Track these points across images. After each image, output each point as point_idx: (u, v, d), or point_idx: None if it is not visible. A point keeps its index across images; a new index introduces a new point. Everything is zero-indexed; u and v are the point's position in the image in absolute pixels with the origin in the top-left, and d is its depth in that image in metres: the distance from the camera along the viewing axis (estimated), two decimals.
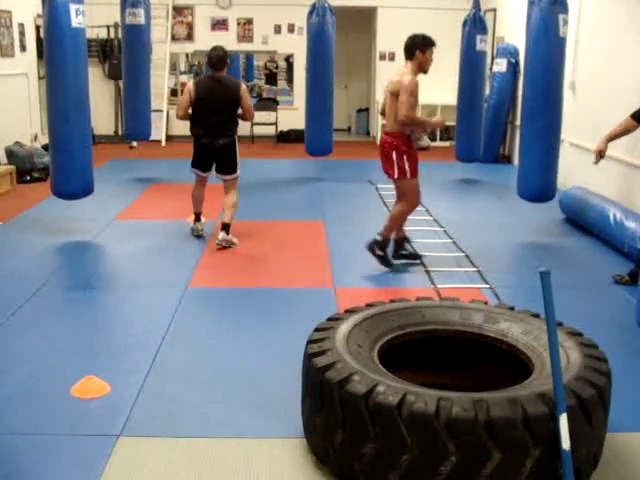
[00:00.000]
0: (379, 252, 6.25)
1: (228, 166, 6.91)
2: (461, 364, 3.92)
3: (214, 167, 6.99)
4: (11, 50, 11.05)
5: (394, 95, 6.04)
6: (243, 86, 6.83)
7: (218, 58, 6.80)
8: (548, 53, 7.00)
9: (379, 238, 6.27)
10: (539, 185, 7.30)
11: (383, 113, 6.44)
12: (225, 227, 6.84)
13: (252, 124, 14.03)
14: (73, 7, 6.76)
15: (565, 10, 7.00)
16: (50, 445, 3.49)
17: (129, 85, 10.44)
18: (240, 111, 6.89)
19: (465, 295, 4.78)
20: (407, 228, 7.53)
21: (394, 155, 6.11)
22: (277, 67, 15.86)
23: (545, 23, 6.96)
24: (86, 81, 7.15)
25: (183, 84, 17.49)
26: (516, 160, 12.05)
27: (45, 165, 10.17)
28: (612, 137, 6.40)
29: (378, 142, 6.52)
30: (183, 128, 14.27)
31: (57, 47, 6.83)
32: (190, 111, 6.84)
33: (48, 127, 7.23)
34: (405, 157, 6.11)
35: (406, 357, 3.78)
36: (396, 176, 6.19)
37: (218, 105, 6.70)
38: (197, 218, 7.23)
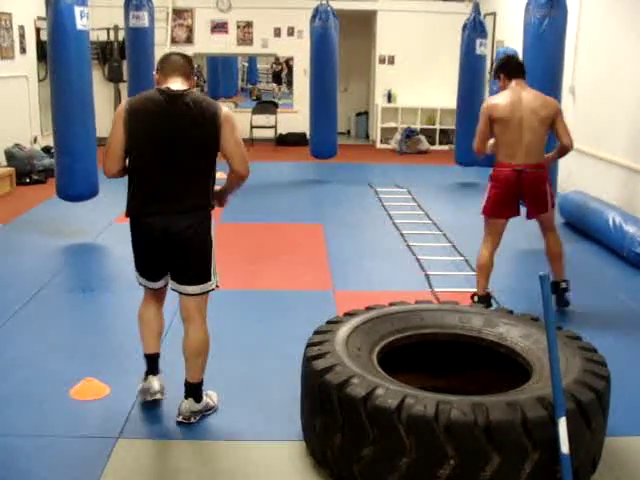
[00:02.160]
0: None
1: (195, 270, 3.64)
2: (460, 368, 3.92)
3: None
4: (11, 52, 11.05)
5: (545, 120, 5.14)
6: (225, 110, 3.58)
7: (179, 59, 3.71)
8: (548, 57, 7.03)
9: (564, 285, 5.49)
10: None
11: (483, 143, 5.41)
12: (191, 390, 3.75)
13: (251, 126, 14.06)
14: (78, 9, 6.77)
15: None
16: (49, 447, 3.49)
17: (133, 88, 10.42)
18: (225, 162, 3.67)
19: (464, 299, 4.79)
20: (405, 232, 7.55)
21: (548, 188, 5.28)
22: (282, 69, 15.91)
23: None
24: (90, 83, 7.18)
25: None
26: None
27: (45, 167, 10.19)
28: None
29: (508, 178, 5.18)
30: None
31: (62, 49, 6.84)
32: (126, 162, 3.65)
33: (53, 129, 7.25)
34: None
35: (405, 360, 3.78)
36: (550, 207, 5.37)
37: (175, 149, 3.50)
38: (151, 367, 3.95)
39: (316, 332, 3.59)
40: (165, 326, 4.05)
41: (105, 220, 7.86)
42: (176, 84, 3.58)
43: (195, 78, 3.81)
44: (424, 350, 3.84)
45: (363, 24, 15.07)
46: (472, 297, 5.31)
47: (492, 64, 12.24)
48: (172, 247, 3.57)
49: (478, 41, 10.36)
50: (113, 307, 5.53)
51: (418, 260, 6.64)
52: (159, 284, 3.80)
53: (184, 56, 3.76)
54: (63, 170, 7.14)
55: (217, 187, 3.76)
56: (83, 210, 7.74)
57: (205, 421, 3.77)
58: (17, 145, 10.57)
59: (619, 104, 6.93)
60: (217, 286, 3.74)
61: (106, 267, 6.79)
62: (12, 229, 7.66)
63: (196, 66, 18.74)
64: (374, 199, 9.36)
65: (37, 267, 6.42)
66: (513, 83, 5.26)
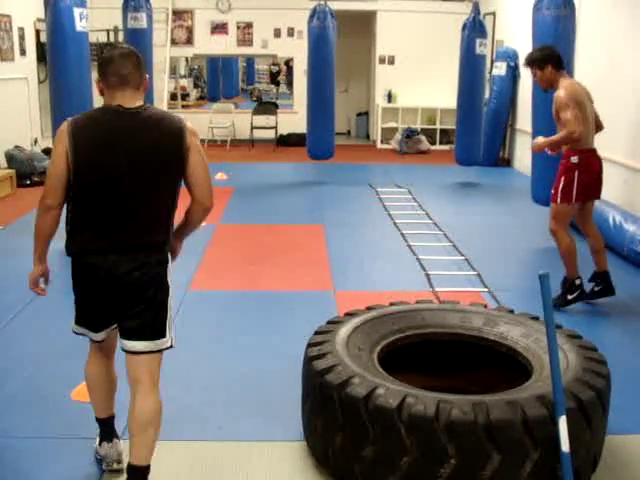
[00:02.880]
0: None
1: (145, 320, 3.01)
2: (461, 367, 3.93)
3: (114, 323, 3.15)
4: (11, 54, 11.06)
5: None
6: (191, 128, 3.00)
7: (123, 60, 2.95)
8: None
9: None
10: None
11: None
12: (138, 476, 3.04)
13: (252, 127, 14.07)
14: (77, 11, 6.79)
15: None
16: (50, 448, 3.50)
17: None
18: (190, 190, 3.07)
19: (465, 298, 4.79)
20: (406, 232, 7.56)
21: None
22: (279, 70, 15.91)
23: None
24: (90, 85, 7.18)
25: (183, 88, 17.60)
26: (516, 163, 12.11)
27: (45, 169, 10.18)
28: None
29: (586, 163, 5.25)
30: None
31: (61, 51, 6.86)
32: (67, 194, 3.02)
33: (52, 131, 7.25)
34: None
35: (406, 360, 3.78)
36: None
37: (130, 179, 2.92)
38: (106, 432, 3.39)
39: (317, 332, 3.59)
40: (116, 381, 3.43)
41: None
42: (126, 97, 2.94)
43: (147, 77, 3.08)
44: (425, 350, 3.84)
45: (363, 24, 15.08)
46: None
47: (492, 63, 12.26)
48: (118, 292, 2.96)
49: (478, 41, 10.37)
50: None
51: (419, 260, 6.64)
52: (101, 335, 3.17)
53: (131, 55, 2.98)
54: None
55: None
56: None
57: (206, 422, 3.78)
58: (17, 147, 10.58)
59: (619, 103, 6.93)
60: (172, 345, 3.11)
61: None
62: (12, 231, 7.66)
63: (196, 67, 18.76)
64: (375, 199, 9.37)
65: None
66: (564, 73, 5.40)
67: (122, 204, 2.93)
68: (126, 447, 3.16)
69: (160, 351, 3.07)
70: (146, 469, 3.03)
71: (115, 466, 3.29)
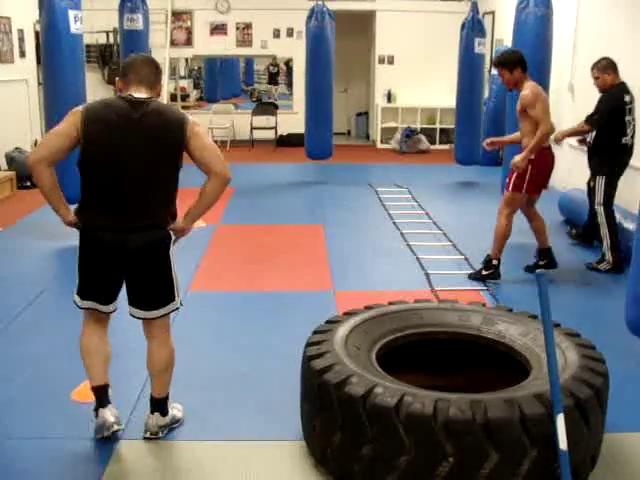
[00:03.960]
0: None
1: (156, 292, 3.43)
2: (459, 366, 3.94)
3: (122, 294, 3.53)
4: (10, 56, 11.07)
5: None
6: (192, 119, 3.35)
7: (144, 64, 3.42)
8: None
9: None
10: None
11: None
12: (158, 405, 3.60)
13: (252, 128, 14.08)
14: (72, 13, 6.80)
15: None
16: (50, 449, 3.51)
17: None
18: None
19: (464, 297, 4.80)
20: (405, 231, 7.57)
21: None
22: (278, 70, 15.91)
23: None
24: (84, 87, 7.19)
25: (183, 88, 17.62)
26: None
27: None
28: (566, 135, 6.83)
29: (540, 159, 5.85)
30: None
31: (56, 53, 6.86)
32: (75, 167, 3.39)
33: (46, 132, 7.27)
34: None
35: (405, 359, 3.79)
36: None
37: (135, 160, 3.25)
38: (101, 398, 3.55)
39: (315, 332, 3.60)
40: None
41: None
42: (140, 93, 3.33)
43: (161, 85, 3.54)
44: (423, 349, 3.85)
45: (362, 24, 15.09)
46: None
47: (491, 62, 12.24)
48: (125, 266, 3.32)
49: (477, 40, 10.38)
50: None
51: (418, 259, 6.65)
52: (110, 307, 3.51)
53: (150, 62, 3.45)
54: (60, 173, 7.14)
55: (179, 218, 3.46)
56: None
57: (206, 422, 3.78)
58: (17, 149, 10.59)
59: None
60: (181, 304, 3.53)
61: None
62: (13, 232, 7.68)
63: (196, 68, 18.77)
64: (374, 199, 9.37)
65: (38, 270, 6.44)
66: (527, 75, 5.88)
67: (126, 184, 3.25)
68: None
69: (168, 314, 3.48)
70: (165, 399, 3.61)
71: (115, 427, 3.51)
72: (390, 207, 8.77)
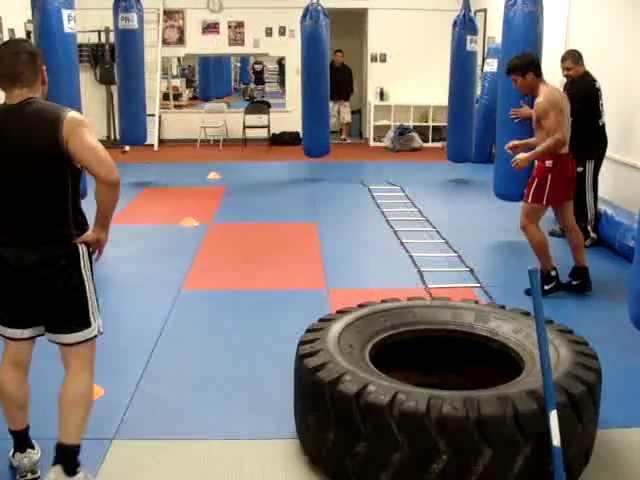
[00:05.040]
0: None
1: (62, 313, 3.08)
2: (453, 363, 3.94)
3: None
4: None
5: None
6: (71, 115, 2.98)
7: (11, 58, 3.00)
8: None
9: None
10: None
11: None
12: (63, 455, 3.13)
13: (244, 126, 14.07)
14: (65, 13, 6.77)
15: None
16: (44, 449, 3.49)
17: (124, 90, 10.44)
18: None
19: (457, 295, 4.80)
20: (398, 229, 7.58)
21: None
22: (263, 68, 15.87)
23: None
24: (78, 87, 7.17)
25: (175, 88, 17.59)
26: None
27: None
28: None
29: (560, 167, 5.49)
30: (176, 131, 14.44)
31: (49, 53, 6.82)
32: None
33: None
34: None
35: (398, 357, 3.79)
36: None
37: (16, 172, 2.97)
38: (19, 443, 3.32)
39: (308, 330, 3.60)
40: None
41: None
42: (14, 94, 2.98)
43: (42, 73, 3.14)
44: (417, 346, 3.85)
45: (354, 23, 15.08)
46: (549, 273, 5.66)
47: (483, 60, 12.26)
48: (31, 286, 2.99)
49: (469, 38, 10.36)
50: (107, 308, 5.50)
51: (411, 257, 6.65)
52: (18, 333, 3.11)
53: (17, 51, 3.01)
54: None
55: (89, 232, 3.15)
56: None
57: (199, 420, 3.78)
58: None
59: (607, 98, 6.95)
60: (100, 332, 3.17)
61: (100, 269, 6.76)
62: None
63: (188, 67, 18.72)
64: (367, 197, 9.37)
65: None
66: (543, 79, 5.60)
67: (13, 199, 2.97)
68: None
69: (88, 340, 3.11)
70: (73, 449, 3.08)
71: (29, 476, 3.24)
72: (383, 205, 8.77)
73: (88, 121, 3.05)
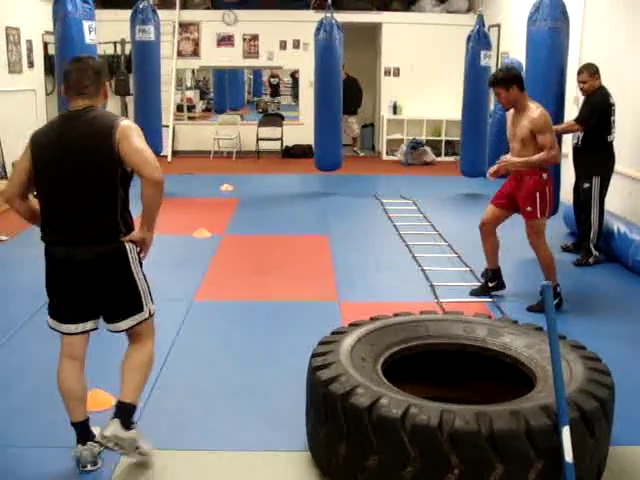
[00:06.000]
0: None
1: (117, 303, 3.36)
2: (465, 377, 3.93)
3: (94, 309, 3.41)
4: (19, 66, 11.14)
5: None
6: (124, 123, 3.25)
7: (77, 72, 3.31)
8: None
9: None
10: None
11: None
12: (121, 410, 3.37)
13: (258, 139, 14.12)
14: (86, 24, 6.85)
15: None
16: (55, 458, 3.51)
17: (140, 101, 10.51)
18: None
19: (469, 309, 4.80)
20: (411, 243, 7.57)
21: None
22: (279, 81, 15.94)
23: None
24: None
25: (189, 99, 17.69)
26: None
27: None
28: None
29: (551, 180, 5.67)
30: (189, 143, 14.50)
31: None
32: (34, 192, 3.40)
33: None
34: None
35: (410, 370, 3.79)
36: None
37: (66, 168, 3.22)
38: (81, 435, 3.45)
39: (321, 343, 3.61)
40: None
41: None
42: (78, 103, 3.29)
43: (108, 85, 3.49)
44: (429, 360, 3.85)
45: (368, 36, 15.15)
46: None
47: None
48: (83, 282, 3.25)
49: (482, 52, 10.40)
50: None
51: (423, 271, 6.65)
52: (72, 328, 3.36)
53: (83, 67, 3.32)
54: None
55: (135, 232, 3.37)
56: None
57: (211, 432, 3.79)
58: None
59: (622, 114, 6.95)
60: (151, 314, 3.44)
61: None
62: (18, 242, 7.70)
63: (202, 78, 18.81)
64: (380, 210, 9.38)
65: (42, 280, 6.43)
66: (526, 94, 5.62)
67: (66, 198, 3.23)
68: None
69: (144, 321, 3.39)
70: (130, 407, 3.36)
71: (89, 467, 3.39)
72: (395, 219, 8.77)
73: (139, 128, 3.31)
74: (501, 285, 6.07)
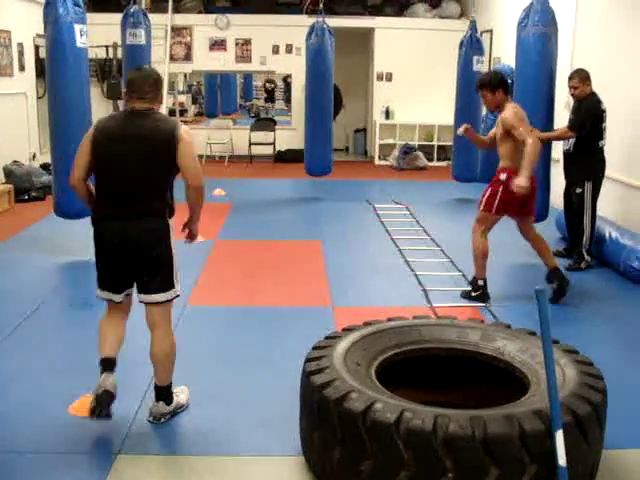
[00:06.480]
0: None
1: (155, 275, 3.78)
2: (458, 382, 3.94)
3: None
4: (10, 70, 11.11)
5: None
6: (182, 128, 3.78)
7: (140, 80, 3.82)
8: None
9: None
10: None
11: None
12: (161, 393, 3.93)
13: (250, 143, 14.12)
14: (78, 27, 6.82)
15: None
16: (48, 463, 3.50)
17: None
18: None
19: (462, 314, 4.81)
20: (403, 247, 7.59)
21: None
22: (275, 87, 15.94)
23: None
24: (89, 100, 7.21)
25: (181, 104, 17.69)
26: None
27: (43, 184, 10.21)
28: (548, 138, 6.93)
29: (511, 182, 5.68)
30: None
31: (61, 67, 6.87)
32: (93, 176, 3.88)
33: (51, 146, 7.25)
34: None
35: (404, 375, 3.79)
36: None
37: (128, 156, 3.70)
38: (106, 367, 3.86)
39: (315, 347, 3.60)
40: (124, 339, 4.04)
41: None
42: (139, 105, 3.79)
43: (163, 93, 4.03)
44: (422, 365, 3.85)
45: (361, 42, 15.17)
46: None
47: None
48: (131, 252, 3.72)
49: (475, 58, 10.44)
50: None
51: (416, 276, 6.66)
52: (120, 297, 3.88)
53: (146, 75, 3.88)
54: (61, 187, 7.15)
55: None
56: (82, 227, 7.72)
57: (205, 436, 3.78)
58: (16, 162, 10.61)
59: (612, 120, 6.98)
60: (178, 295, 3.89)
61: None
62: (11, 246, 7.68)
63: (195, 83, 18.80)
64: (372, 215, 9.39)
65: (36, 284, 6.44)
66: (509, 98, 5.92)
67: (122, 180, 3.72)
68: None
69: (170, 301, 3.85)
70: (168, 387, 3.94)
71: (151, 419, 3.92)
72: (388, 223, 8.79)
73: (191, 133, 3.83)
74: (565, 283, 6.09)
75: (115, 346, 3.92)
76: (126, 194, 3.72)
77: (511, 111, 5.72)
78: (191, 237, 4.11)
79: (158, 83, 3.86)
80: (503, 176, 5.76)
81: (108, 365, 3.86)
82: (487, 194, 5.88)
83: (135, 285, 3.85)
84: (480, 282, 6.01)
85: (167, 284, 3.80)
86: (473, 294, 6.02)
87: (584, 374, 3.29)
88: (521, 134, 5.58)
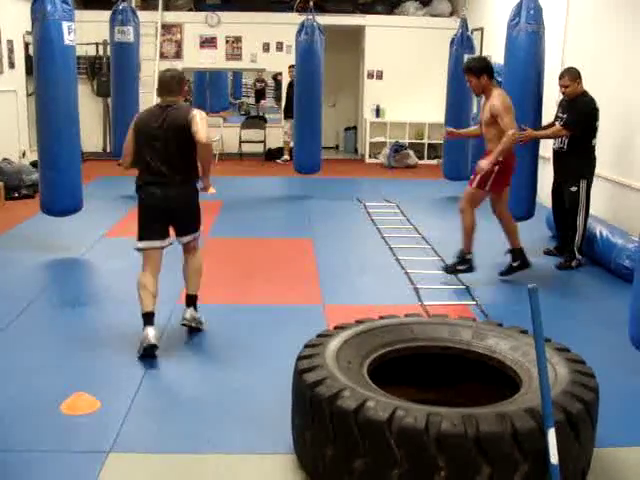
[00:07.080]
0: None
1: (188, 224, 5.08)
2: (450, 380, 3.95)
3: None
4: (0, 67, 11.06)
5: None
6: (196, 111, 4.86)
7: (167, 80, 4.98)
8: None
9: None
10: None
11: None
12: (192, 300, 5.18)
13: (240, 141, 14.11)
14: (65, 25, 6.78)
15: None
16: (40, 462, 3.49)
17: (118, 102, 10.47)
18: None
19: (453, 312, 4.81)
20: (394, 245, 7.59)
21: None
22: (265, 87, 15.91)
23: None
24: (76, 98, 7.18)
25: None
26: None
27: (33, 182, 10.15)
28: (540, 137, 7.11)
29: (505, 162, 6.19)
30: None
31: (49, 64, 6.84)
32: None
33: (38, 144, 7.22)
34: None
35: (396, 373, 3.80)
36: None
37: (162, 138, 4.83)
38: (147, 321, 4.79)
39: (306, 345, 3.60)
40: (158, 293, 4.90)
41: (94, 235, 7.86)
42: (166, 99, 4.98)
43: (185, 89, 5.29)
44: (414, 363, 3.86)
45: (351, 40, 15.16)
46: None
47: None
48: (171, 209, 4.90)
49: (466, 56, 10.42)
50: (103, 321, 5.52)
51: (407, 274, 6.67)
52: (164, 242, 4.96)
53: (172, 75, 5.05)
54: (47, 185, 7.13)
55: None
56: (72, 225, 7.73)
57: (196, 435, 3.78)
58: (6, 160, 10.57)
59: (603, 118, 6.99)
60: (200, 232, 5.18)
61: (95, 282, 6.79)
62: (1, 244, 7.64)
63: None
64: (363, 213, 9.40)
65: (26, 282, 6.41)
66: (494, 82, 6.26)
67: (160, 155, 4.85)
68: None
69: (198, 237, 5.18)
70: (196, 297, 5.20)
71: (183, 322, 5.13)
72: (379, 222, 8.79)
73: (204, 113, 4.89)
74: (525, 263, 6.54)
75: (154, 301, 4.86)
76: (164, 166, 4.84)
77: (499, 99, 6.02)
78: (204, 188, 5.06)
79: (181, 81, 5.06)
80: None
81: (150, 319, 4.76)
82: (482, 173, 6.08)
83: (175, 231, 5.02)
84: (468, 256, 6.39)
85: (195, 228, 5.11)
86: (459, 267, 6.41)
87: (576, 372, 3.30)
88: (506, 125, 5.93)
